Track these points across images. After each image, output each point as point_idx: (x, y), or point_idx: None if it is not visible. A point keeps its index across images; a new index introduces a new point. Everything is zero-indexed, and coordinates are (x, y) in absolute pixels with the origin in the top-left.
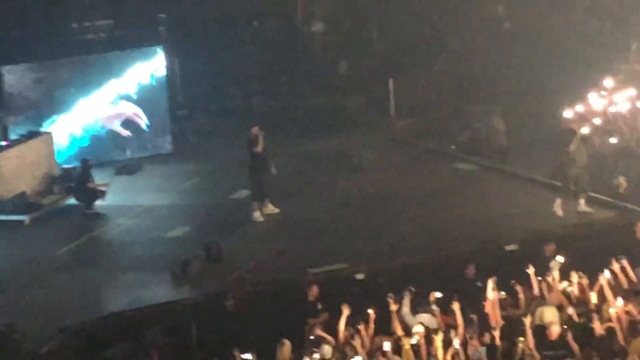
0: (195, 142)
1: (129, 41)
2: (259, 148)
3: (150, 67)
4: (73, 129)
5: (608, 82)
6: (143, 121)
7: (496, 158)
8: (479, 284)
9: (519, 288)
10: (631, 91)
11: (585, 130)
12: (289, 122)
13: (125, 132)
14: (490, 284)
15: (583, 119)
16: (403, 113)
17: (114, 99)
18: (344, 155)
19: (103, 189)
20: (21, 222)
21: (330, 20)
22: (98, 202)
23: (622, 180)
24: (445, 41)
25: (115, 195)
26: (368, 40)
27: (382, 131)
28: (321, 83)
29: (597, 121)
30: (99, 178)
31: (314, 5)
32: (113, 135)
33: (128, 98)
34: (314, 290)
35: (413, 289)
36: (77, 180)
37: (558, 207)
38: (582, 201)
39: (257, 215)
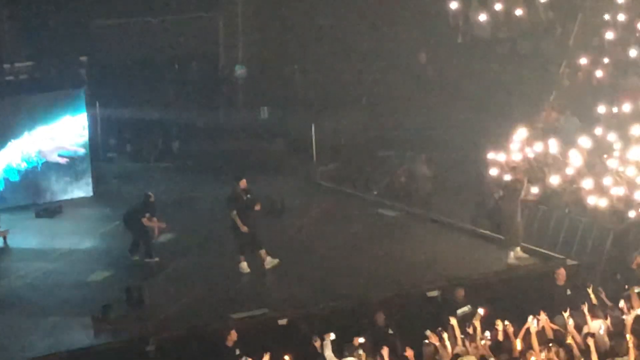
0: (116, 185)
1: (50, 83)
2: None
3: (72, 110)
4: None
5: (522, 131)
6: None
7: (419, 204)
8: (390, 331)
9: (445, 336)
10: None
11: (507, 178)
12: (209, 166)
13: (64, 160)
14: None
15: (505, 168)
16: (325, 158)
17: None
18: (266, 200)
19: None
20: None
21: (252, 65)
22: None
23: None
24: (368, 87)
25: (35, 238)
26: (290, 85)
27: (304, 176)
28: (243, 127)
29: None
30: (19, 220)
31: (237, 49)
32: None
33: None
34: (233, 335)
35: (333, 335)
36: (131, 211)
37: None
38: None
39: (244, 266)
